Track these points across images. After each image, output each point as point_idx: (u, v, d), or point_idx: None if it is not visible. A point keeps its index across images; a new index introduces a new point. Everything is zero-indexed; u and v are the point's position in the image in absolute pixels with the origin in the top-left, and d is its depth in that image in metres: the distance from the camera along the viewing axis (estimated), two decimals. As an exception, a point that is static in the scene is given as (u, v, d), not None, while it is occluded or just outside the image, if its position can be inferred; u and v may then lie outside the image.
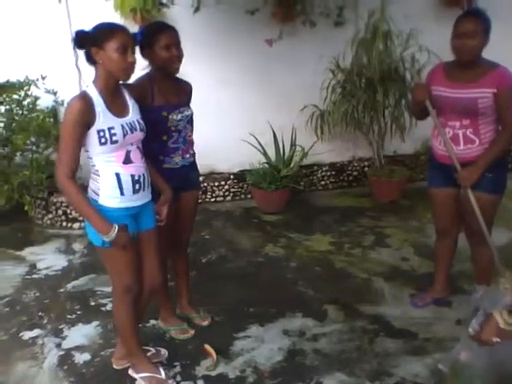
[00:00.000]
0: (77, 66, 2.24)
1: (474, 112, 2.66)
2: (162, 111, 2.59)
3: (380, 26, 4.22)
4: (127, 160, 2.31)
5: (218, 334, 2.94)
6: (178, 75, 2.68)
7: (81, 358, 2.84)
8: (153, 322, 3.10)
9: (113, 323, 2.84)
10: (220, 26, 4.72)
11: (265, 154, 4.89)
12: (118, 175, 2.29)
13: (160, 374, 2.60)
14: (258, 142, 4.88)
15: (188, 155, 2.79)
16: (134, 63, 2.26)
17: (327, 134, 4.89)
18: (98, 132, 2.20)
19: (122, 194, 2.31)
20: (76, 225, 4.63)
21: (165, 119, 2.61)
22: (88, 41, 2.22)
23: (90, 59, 2.25)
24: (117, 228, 2.23)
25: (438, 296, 3.16)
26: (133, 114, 2.35)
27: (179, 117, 2.65)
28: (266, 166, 4.86)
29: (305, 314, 3.15)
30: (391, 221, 4.44)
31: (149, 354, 2.75)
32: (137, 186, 2.35)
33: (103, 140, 2.21)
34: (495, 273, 2.61)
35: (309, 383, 2.57)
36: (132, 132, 2.30)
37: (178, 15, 4.51)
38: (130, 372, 2.65)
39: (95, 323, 3.16)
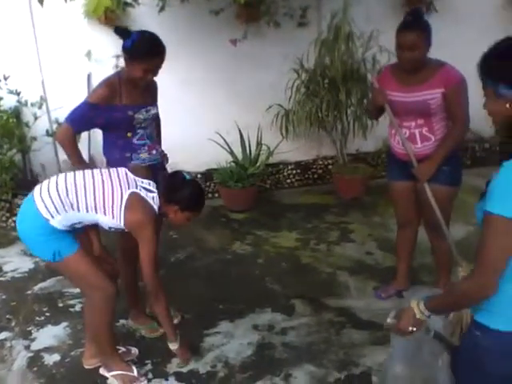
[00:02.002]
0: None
1: (427, 112, 2.76)
2: (129, 110, 2.63)
3: (342, 27, 4.32)
4: None
5: (188, 332, 2.97)
6: None
7: (50, 359, 2.84)
8: (122, 321, 3.11)
9: (83, 323, 2.84)
10: (185, 25, 4.75)
11: (231, 152, 4.94)
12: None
13: (132, 372, 2.63)
14: (225, 140, 4.92)
15: (155, 151, 2.82)
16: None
17: (292, 133, 4.97)
18: None
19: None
20: (41, 226, 4.58)
21: (131, 118, 2.66)
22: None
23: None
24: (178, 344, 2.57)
25: (401, 288, 3.28)
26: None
27: (145, 116, 2.70)
28: (233, 164, 4.92)
29: (273, 308, 3.22)
30: (355, 217, 4.56)
31: (119, 352, 2.77)
32: None
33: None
34: (455, 264, 2.72)
35: (278, 375, 2.64)
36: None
37: (143, 15, 4.53)
38: (102, 371, 2.67)
39: (64, 324, 3.15)
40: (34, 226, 2.31)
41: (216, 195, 5.17)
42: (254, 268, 3.77)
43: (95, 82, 4.97)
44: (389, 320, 1.71)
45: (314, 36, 4.72)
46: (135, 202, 2.29)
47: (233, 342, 2.93)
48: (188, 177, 2.47)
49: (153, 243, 2.33)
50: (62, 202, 2.27)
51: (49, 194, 2.29)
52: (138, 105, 2.67)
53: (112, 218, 2.29)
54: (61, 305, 3.37)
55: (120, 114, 2.61)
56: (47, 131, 4.64)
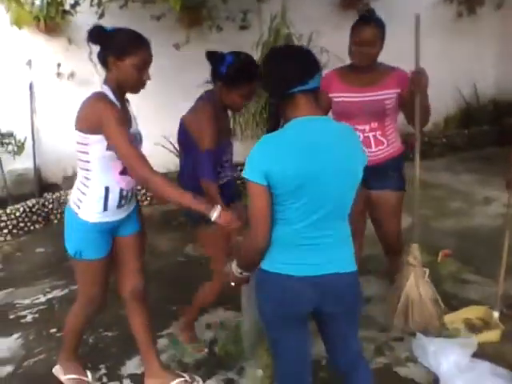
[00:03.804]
0: (90, 59, 2.15)
1: (382, 114, 2.71)
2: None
3: (281, 30, 4.45)
4: (123, 171, 2.22)
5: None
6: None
7: (4, 370, 2.83)
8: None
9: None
10: (127, 32, 4.77)
11: (179, 156, 4.96)
12: (107, 189, 2.22)
13: (86, 377, 2.64)
14: (172, 145, 4.96)
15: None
16: (147, 81, 2.21)
17: (240, 135, 5.06)
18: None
19: (105, 209, 2.25)
20: (-11, 240, 4.52)
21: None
22: (106, 44, 2.12)
23: (105, 63, 2.16)
24: (219, 208, 2.03)
25: None
26: (136, 125, 2.33)
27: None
28: (182, 168, 4.94)
29: (225, 307, 3.29)
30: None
31: (183, 379, 2.63)
32: (122, 202, 2.30)
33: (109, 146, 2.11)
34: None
35: (232, 370, 2.72)
36: (137, 143, 2.26)
37: (83, 21, 4.50)
38: (55, 371, 2.66)
39: (16, 335, 3.14)
40: (69, 219, 2.30)
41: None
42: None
43: (37, 91, 5.01)
44: (226, 269, 2.03)
45: (257, 39, 4.83)
46: (95, 100, 2.14)
47: (186, 341, 2.99)
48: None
49: (122, 138, 2.07)
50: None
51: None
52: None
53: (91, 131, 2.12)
54: (12, 316, 3.35)
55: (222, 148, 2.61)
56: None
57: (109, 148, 2.12)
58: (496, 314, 2.87)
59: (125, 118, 2.21)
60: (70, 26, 4.52)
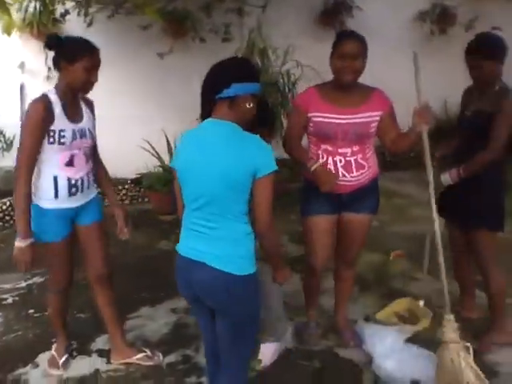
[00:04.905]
0: (46, 63, 2.41)
1: (365, 137, 2.60)
2: None
3: (255, 43, 4.77)
4: (69, 163, 2.48)
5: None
6: None
7: (-17, 343, 3.13)
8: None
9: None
10: (114, 39, 5.08)
11: (159, 158, 5.28)
12: (55, 178, 2.47)
13: (60, 358, 2.89)
14: (152, 147, 5.26)
15: None
16: (95, 82, 2.48)
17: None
18: (49, 132, 2.37)
19: (56, 196, 2.49)
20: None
21: None
22: (59, 50, 2.39)
23: (57, 66, 2.43)
24: (29, 242, 2.38)
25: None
26: (86, 123, 2.56)
27: None
28: (160, 169, 5.25)
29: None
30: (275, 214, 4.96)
31: (144, 354, 2.91)
32: (73, 190, 2.52)
33: (51, 140, 2.39)
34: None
35: (190, 348, 3.02)
36: (81, 138, 2.50)
37: (73, 28, 4.83)
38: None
39: (-4, 314, 3.43)
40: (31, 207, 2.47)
41: (146, 200, 5.50)
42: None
43: (28, 92, 5.29)
44: None
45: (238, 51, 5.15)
46: (31, 102, 2.42)
47: (152, 323, 3.30)
48: None
49: (26, 141, 2.38)
50: None
51: None
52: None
53: None
54: (-6, 298, 3.64)
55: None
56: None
57: (51, 141, 2.40)
58: (421, 303, 3.16)
59: (71, 113, 2.48)
60: (60, 31, 4.82)
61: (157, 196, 5.17)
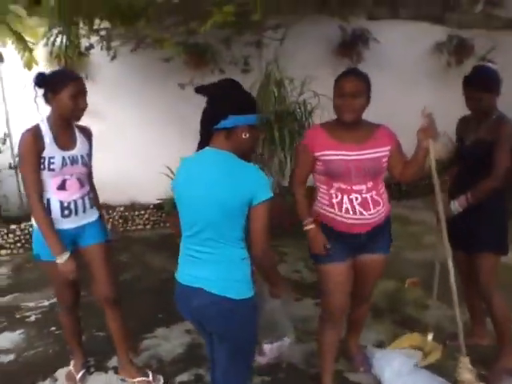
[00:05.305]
0: (35, 101, 2.56)
1: (378, 172, 2.56)
2: None
3: (272, 74, 4.95)
4: (61, 187, 2.60)
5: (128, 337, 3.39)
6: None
7: (6, 358, 3.28)
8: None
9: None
10: (137, 71, 5.34)
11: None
12: (48, 200, 2.58)
13: (78, 373, 3.01)
14: (173, 173, 5.43)
15: None
16: (84, 108, 2.58)
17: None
18: (39, 159, 2.51)
19: None
20: (3, 251, 5.02)
21: None
22: (46, 85, 2.53)
23: (47, 99, 2.56)
24: (67, 255, 2.53)
25: None
26: (78, 150, 2.66)
27: None
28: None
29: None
30: (290, 241, 5.07)
31: (146, 378, 2.98)
32: (66, 212, 2.62)
33: (42, 166, 2.52)
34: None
35: (202, 367, 3.10)
36: (72, 164, 2.61)
37: (98, 61, 5.09)
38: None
39: (19, 331, 3.59)
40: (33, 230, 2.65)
41: (167, 225, 5.66)
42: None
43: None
44: None
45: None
46: (23, 134, 2.53)
47: (167, 343, 3.39)
48: None
49: (26, 172, 2.53)
50: None
51: None
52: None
53: None
54: (17, 316, 3.80)
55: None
56: (10, 164, 5.10)
57: (42, 168, 2.54)
58: (430, 337, 3.02)
59: (63, 141, 2.60)
60: (85, 63, 5.08)
61: (177, 221, 5.28)
